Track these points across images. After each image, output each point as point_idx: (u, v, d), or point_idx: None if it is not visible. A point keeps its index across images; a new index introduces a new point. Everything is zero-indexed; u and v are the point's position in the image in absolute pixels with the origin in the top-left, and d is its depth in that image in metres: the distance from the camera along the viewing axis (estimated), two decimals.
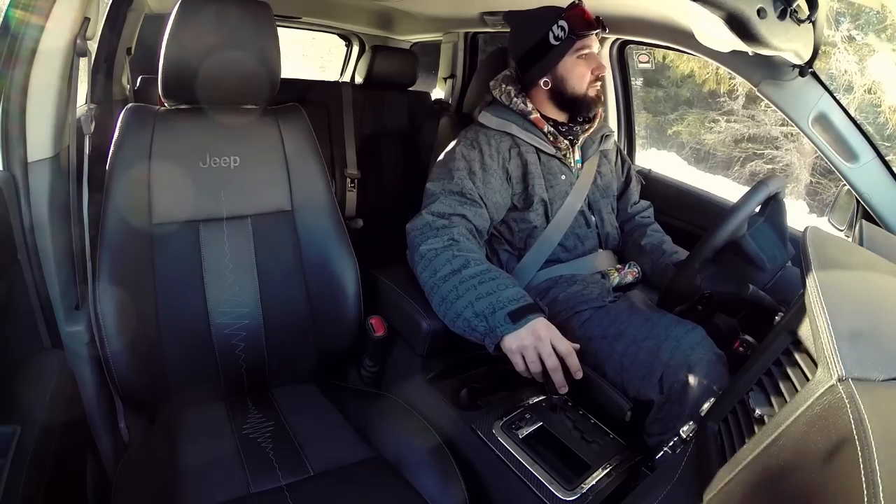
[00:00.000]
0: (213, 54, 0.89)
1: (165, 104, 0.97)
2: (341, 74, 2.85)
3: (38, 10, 0.81)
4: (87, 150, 0.93)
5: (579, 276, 1.09)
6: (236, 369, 0.95)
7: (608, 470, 0.79)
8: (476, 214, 1.02)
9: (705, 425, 0.61)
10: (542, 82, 1.11)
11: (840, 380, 0.41)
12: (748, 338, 0.93)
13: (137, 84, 1.86)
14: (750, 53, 0.89)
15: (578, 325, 1.00)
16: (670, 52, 4.61)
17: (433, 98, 2.35)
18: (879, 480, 0.34)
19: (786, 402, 0.48)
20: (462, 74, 2.21)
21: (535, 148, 1.11)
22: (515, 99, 1.12)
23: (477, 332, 0.88)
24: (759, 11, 0.76)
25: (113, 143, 0.90)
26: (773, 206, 0.98)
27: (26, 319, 0.86)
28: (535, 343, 0.84)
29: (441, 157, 1.10)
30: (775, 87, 1.02)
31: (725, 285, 0.92)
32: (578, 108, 1.11)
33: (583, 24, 1.06)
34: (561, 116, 1.13)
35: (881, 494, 0.34)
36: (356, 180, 2.02)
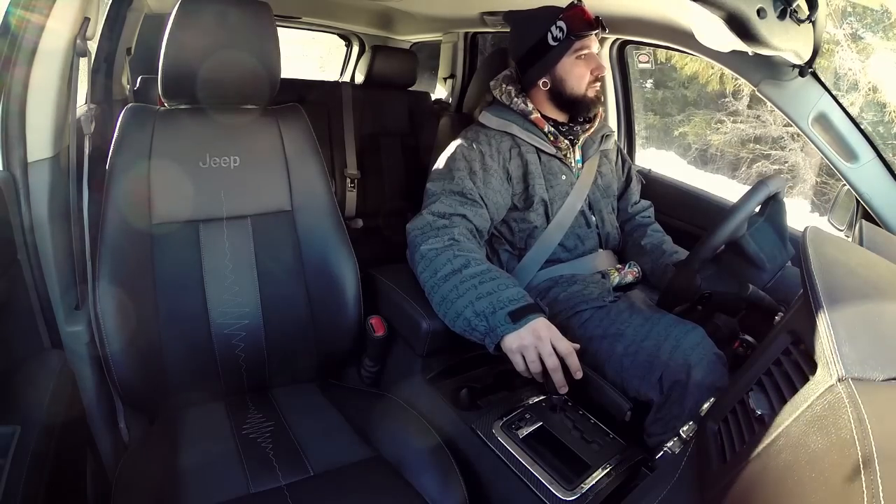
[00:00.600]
0: (213, 54, 0.89)
1: (165, 104, 0.97)
2: (341, 74, 2.85)
3: (38, 10, 0.81)
4: (87, 150, 0.93)
5: (579, 275, 1.09)
6: (236, 369, 0.95)
7: (608, 470, 0.79)
8: (476, 214, 1.02)
9: (705, 425, 0.61)
10: (541, 83, 1.11)
11: (840, 380, 0.41)
12: (748, 338, 0.93)
13: (137, 84, 1.86)
14: (750, 53, 0.89)
15: (579, 324, 1.00)
16: (676, 53, 4.63)
17: (433, 98, 2.35)
18: (879, 480, 0.34)
19: (786, 402, 0.48)
20: (462, 74, 2.21)
21: (536, 148, 1.11)
22: (516, 99, 1.12)
23: (477, 331, 0.88)
24: (758, 11, 0.76)
25: (113, 143, 0.90)
26: (773, 205, 0.98)
27: (26, 319, 0.86)
28: (536, 343, 0.84)
29: (441, 157, 1.10)
30: (775, 87, 1.02)
31: (725, 285, 0.92)
32: (578, 109, 1.11)
33: (582, 24, 1.05)
34: (561, 116, 1.13)
35: (881, 494, 0.34)
36: (356, 180, 2.02)
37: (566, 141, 1.13)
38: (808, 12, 0.80)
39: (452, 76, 2.23)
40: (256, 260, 0.96)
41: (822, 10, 0.82)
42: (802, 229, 0.63)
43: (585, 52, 1.08)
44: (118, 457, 0.94)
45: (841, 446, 0.38)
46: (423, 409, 0.93)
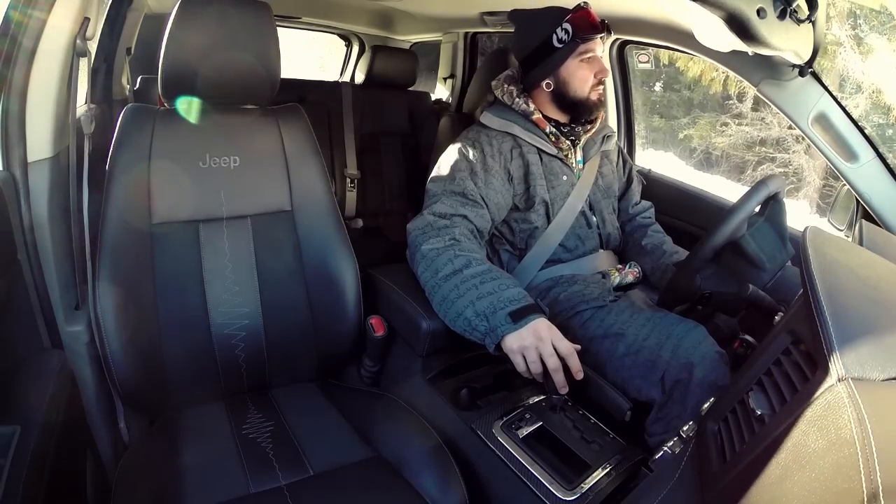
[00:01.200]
0: (213, 54, 0.89)
1: (165, 104, 0.97)
2: (341, 74, 2.85)
3: (37, 11, 0.81)
4: (87, 150, 0.93)
5: (580, 276, 1.09)
6: (236, 369, 0.95)
7: (608, 470, 0.79)
8: (477, 215, 1.01)
9: (705, 425, 0.61)
10: (544, 84, 1.11)
11: (840, 380, 0.41)
12: (748, 338, 0.93)
13: (137, 84, 1.86)
14: (750, 53, 0.89)
15: (579, 324, 1.00)
16: (680, 56, 4.62)
17: (433, 98, 2.35)
18: (879, 480, 0.34)
19: (786, 402, 0.48)
20: (462, 74, 2.21)
21: (537, 148, 1.11)
22: (517, 99, 1.12)
23: (478, 331, 0.88)
24: (758, 11, 0.76)
25: (113, 143, 0.90)
26: (773, 205, 0.98)
27: (26, 319, 0.86)
28: (536, 343, 0.84)
29: (442, 157, 1.10)
30: (775, 87, 1.02)
31: (725, 285, 0.92)
32: (580, 111, 1.11)
33: (588, 27, 1.05)
34: (563, 117, 1.13)
35: (881, 494, 0.34)
36: (356, 180, 2.02)
37: (567, 141, 1.13)
38: (808, 12, 0.80)
39: (452, 76, 2.23)
40: (256, 260, 0.96)
41: (822, 10, 0.82)
42: (802, 229, 0.63)
43: (590, 54, 1.08)
44: (118, 457, 0.94)
45: (841, 446, 0.38)
46: (423, 409, 0.93)
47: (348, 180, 2.01)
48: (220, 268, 0.94)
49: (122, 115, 0.92)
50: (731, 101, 5.03)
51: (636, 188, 1.30)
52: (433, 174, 1.08)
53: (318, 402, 0.97)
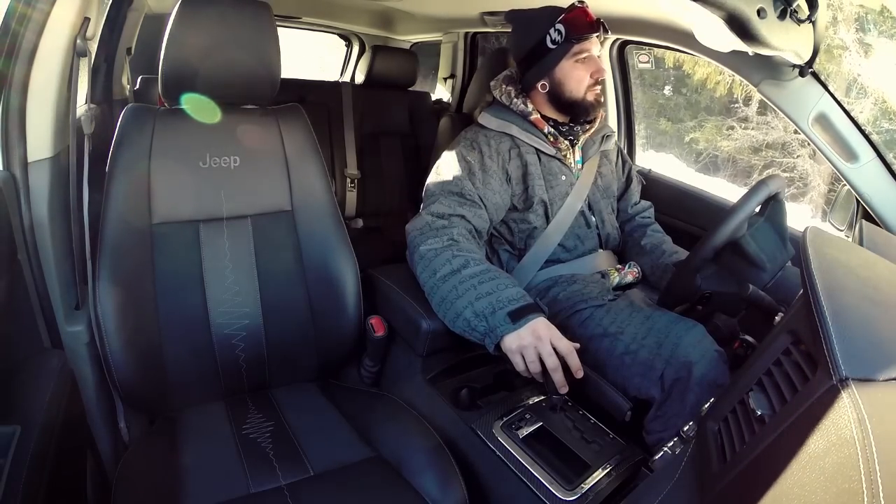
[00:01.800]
0: (213, 54, 0.89)
1: (165, 104, 0.97)
2: (341, 74, 2.85)
3: (38, 10, 0.81)
4: (87, 150, 0.93)
5: (579, 275, 1.09)
6: (236, 369, 0.95)
7: (608, 470, 0.80)
8: (475, 215, 1.01)
9: (705, 425, 0.61)
10: (539, 85, 1.11)
11: (840, 380, 0.41)
12: (748, 338, 0.93)
13: (137, 84, 1.86)
14: (750, 53, 0.89)
15: (578, 323, 1.00)
16: (686, 60, 4.61)
17: (433, 98, 2.35)
18: (879, 480, 0.34)
19: (786, 402, 0.48)
20: (462, 74, 2.21)
21: (536, 149, 1.10)
22: (516, 100, 1.12)
23: (477, 331, 0.88)
24: (759, 11, 0.76)
25: (113, 143, 0.90)
26: (773, 205, 0.98)
27: (26, 319, 0.86)
28: (535, 343, 0.84)
29: (441, 157, 1.10)
30: (775, 87, 1.02)
31: (725, 285, 0.92)
32: (577, 112, 1.11)
33: (581, 26, 1.04)
34: (561, 117, 1.13)
35: (881, 494, 0.34)
36: (356, 180, 2.02)
37: (566, 141, 1.13)
38: (808, 12, 0.80)
39: (452, 76, 2.24)
40: (256, 260, 0.96)
41: (822, 10, 0.82)
42: (802, 229, 0.63)
43: (585, 55, 1.07)
44: (118, 457, 0.94)
45: (841, 446, 0.38)
46: (423, 409, 0.93)
47: (348, 180, 2.01)
48: (221, 268, 0.94)
49: (122, 115, 0.92)
50: (736, 105, 5.02)
51: (635, 188, 1.30)
52: (432, 174, 1.08)
53: (318, 402, 0.97)
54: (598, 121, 1.16)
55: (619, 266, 1.16)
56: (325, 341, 1.01)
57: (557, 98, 1.10)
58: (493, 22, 1.77)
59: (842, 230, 1.08)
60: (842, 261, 0.59)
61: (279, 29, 0.97)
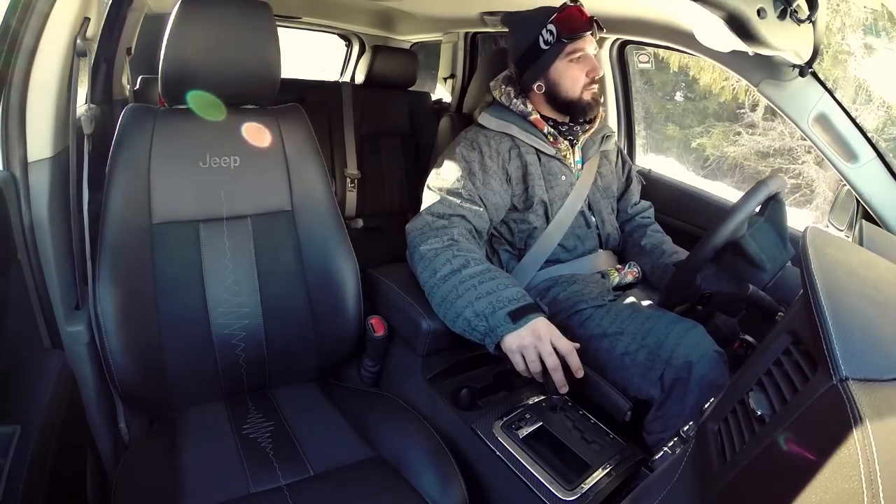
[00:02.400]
0: (213, 54, 0.89)
1: (165, 104, 0.97)
2: (341, 74, 2.85)
3: (37, 11, 0.81)
4: (87, 150, 0.93)
5: (579, 275, 1.09)
6: (236, 369, 0.95)
7: (608, 470, 0.79)
8: (475, 215, 1.01)
9: (705, 425, 0.61)
10: (535, 86, 1.10)
11: (840, 380, 0.41)
12: (748, 338, 0.93)
13: (137, 84, 1.86)
14: (750, 53, 0.89)
15: (578, 323, 1.00)
16: (692, 64, 4.60)
17: (433, 98, 2.35)
18: (879, 480, 0.34)
19: (786, 402, 0.48)
20: (462, 74, 2.21)
21: (535, 149, 1.10)
22: (515, 100, 1.12)
23: (477, 331, 0.88)
24: (759, 11, 0.76)
25: (113, 143, 0.90)
26: (773, 206, 0.98)
27: (26, 319, 0.86)
28: (536, 342, 0.84)
29: (441, 157, 1.10)
30: (775, 87, 1.02)
31: (725, 285, 0.92)
32: (574, 112, 1.10)
33: (574, 25, 1.04)
34: (560, 117, 1.13)
35: (881, 494, 0.34)
36: (356, 180, 2.02)
37: (566, 142, 1.13)
38: (808, 12, 0.80)
39: (452, 76, 2.23)
40: (256, 260, 0.96)
41: (822, 10, 0.82)
42: (802, 229, 0.63)
43: (579, 54, 1.07)
44: (118, 457, 0.94)
45: (841, 446, 0.38)
46: (423, 409, 0.93)
47: (348, 180, 2.01)
48: (221, 268, 0.94)
49: (122, 115, 0.92)
50: (743, 111, 5.01)
51: (635, 188, 1.30)
52: (432, 174, 1.08)
53: (318, 402, 0.97)
54: (597, 121, 1.16)
55: (619, 266, 1.16)
56: (325, 341, 1.01)
57: (554, 98, 1.10)
58: (492, 22, 1.77)
59: (842, 230, 1.08)
60: (842, 261, 0.59)
61: (279, 29, 0.97)
